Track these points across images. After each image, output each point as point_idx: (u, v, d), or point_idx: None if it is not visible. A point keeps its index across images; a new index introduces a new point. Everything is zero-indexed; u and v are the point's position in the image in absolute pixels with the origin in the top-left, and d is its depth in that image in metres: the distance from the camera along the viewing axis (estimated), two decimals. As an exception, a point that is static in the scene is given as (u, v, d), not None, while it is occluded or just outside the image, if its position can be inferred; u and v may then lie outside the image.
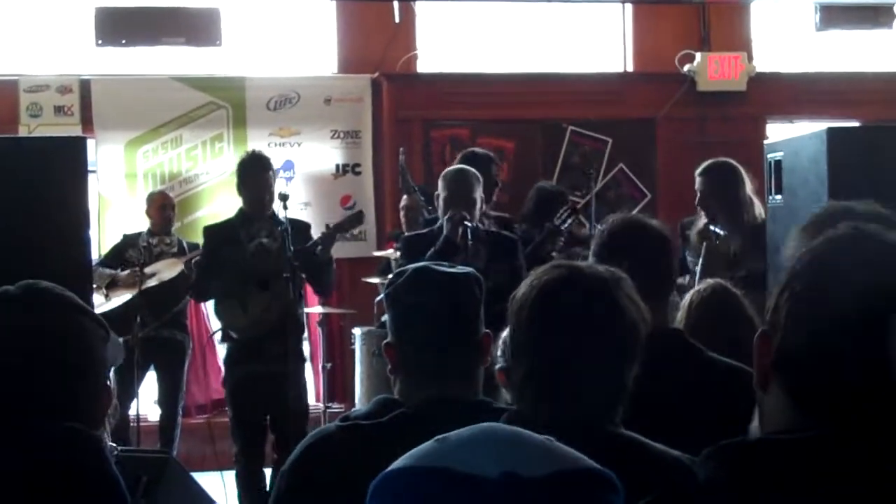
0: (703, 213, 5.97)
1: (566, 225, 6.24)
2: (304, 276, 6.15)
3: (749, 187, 5.97)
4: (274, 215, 6.07)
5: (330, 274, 6.37)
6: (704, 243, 5.71)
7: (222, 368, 8.63)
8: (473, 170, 5.71)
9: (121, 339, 1.99)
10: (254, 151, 6.41)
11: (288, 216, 6.02)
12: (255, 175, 6.12)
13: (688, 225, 6.08)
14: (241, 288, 5.98)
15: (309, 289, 6.89)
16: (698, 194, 5.96)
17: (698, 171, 6.02)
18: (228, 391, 6.14)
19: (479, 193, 5.58)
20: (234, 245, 6.07)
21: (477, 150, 6.67)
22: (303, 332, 6.41)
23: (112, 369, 2.14)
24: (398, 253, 6.55)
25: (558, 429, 1.96)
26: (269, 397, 5.91)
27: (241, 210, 6.26)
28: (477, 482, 1.10)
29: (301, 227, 6.28)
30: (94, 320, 1.98)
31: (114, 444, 2.16)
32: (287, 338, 5.92)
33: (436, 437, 1.18)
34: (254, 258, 6.01)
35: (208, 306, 8.34)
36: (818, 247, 1.41)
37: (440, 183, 5.67)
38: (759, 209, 5.92)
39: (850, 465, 1.27)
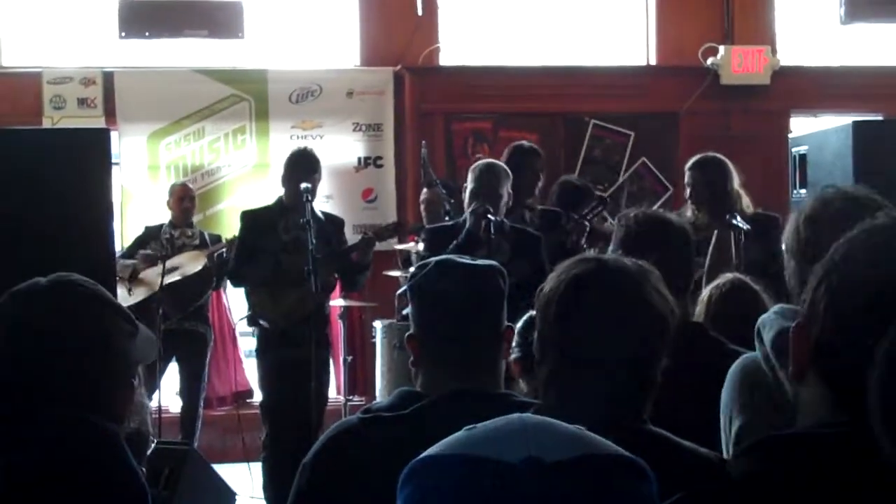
0: (692, 206, 5.92)
1: (592, 215, 6.23)
2: (336, 276, 6.25)
3: (737, 181, 5.94)
4: (312, 210, 6.12)
5: (365, 276, 6.57)
6: (715, 234, 5.67)
7: (244, 361, 8.71)
8: (503, 164, 5.73)
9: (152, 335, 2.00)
10: (304, 149, 6.52)
11: (323, 211, 6.12)
12: (301, 173, 6.19)
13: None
14: (276, 277, 6.06)
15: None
16: (690, 189, 5.90)
17: (689, 165, 5.98)
18: (260, 378, 6.21)
19: (506, 188, 5.58)
20: (271, 234, 6.16)
21: (524, 143, 6.67)
22: (328, 324, 6.49)
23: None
24: (420, 245, 6.56)
25: (585, 425, 1.97)
26: (298, 383, 5.94)
27: (279, 199, 6.33)
28: (498, 467, 1.10)
29: (336, 223, 6.44)
30: (121, 316, 1.99)
31: (153, 437, 2.16)
32: (314, 326, 5.99)
33: (466, 427, 1.19)
34: (289, 250, 6.05)
35: (230, 299, 8.38)
36: (855, 237, 1.40)
37: (469, 176, 5.69)
38: (746, 201, 5.88)
39: (890, 460, 1.25)
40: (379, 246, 8.07)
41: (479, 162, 5.89)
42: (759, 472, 1.32)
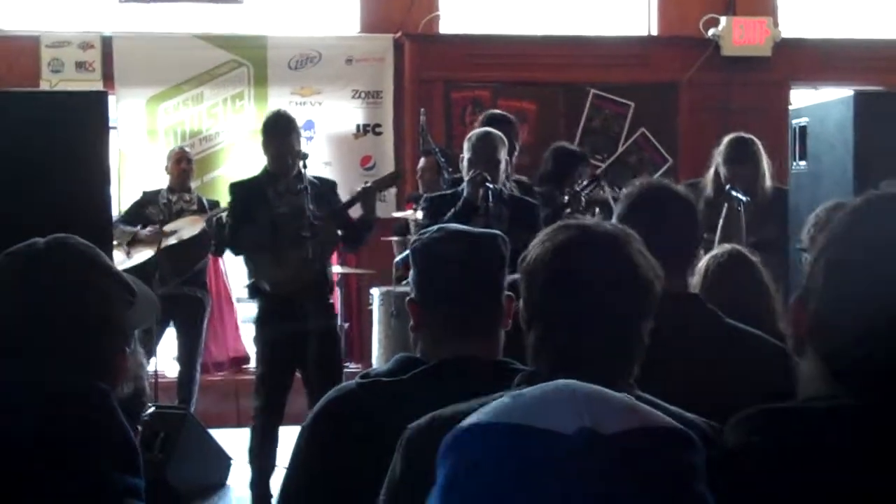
0: (713, 182, 5.87)
1: (587, 191, 6.21)
2: (339, 234, 6.17)
3: (767, 161, 5.90)
4: (299, 173, 6.06)
5: (370, 233, 6.45)
6: (724, 208, 5.65)
7: (241, 327, 8.70)
8: (499, 132, 5.70)
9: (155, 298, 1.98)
10: (279, 111, 6.33)
11: (314, 175, 6.03)
12: (278, 135, 6.08)
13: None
14: (274, 242, 5.98)
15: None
16: (735, 181, 5.79)
17: (738, 157, 5.87)
18: (260, 348, 6.15)
19: (503, 155, 5.57)
20: (262, 203, 6.07)
21: (496, 112, 6.63)
22: (332, 290, 6.39)
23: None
24: (419, 213, 6.54)
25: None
26: (302, 356, 5.92)
27: (265, 168, 6.23)
28: (554, 438, 1.08)
29: (329, 185, 6.31)
30: (117, 281, 1.97)
31: (146, 401, 2.15)
32: (320, 295, 5.96)
33: (510, 393, 1.17)
34: (284, 216, 5.99)
35: (227, 265, 8.37)
36: (855, 211, 1.39)
37: (465, 144, 5.67)
38: (769, 179, 5.86)
39: (884, 435, 1.25)
40: (377, 213, 8.10)
41: (475, 130, 5.87)
42: (754, 442, 1.32)
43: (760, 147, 5.92)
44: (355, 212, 6.34)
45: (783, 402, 1.39)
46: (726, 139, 5.96)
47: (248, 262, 6.27)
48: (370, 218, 6.28)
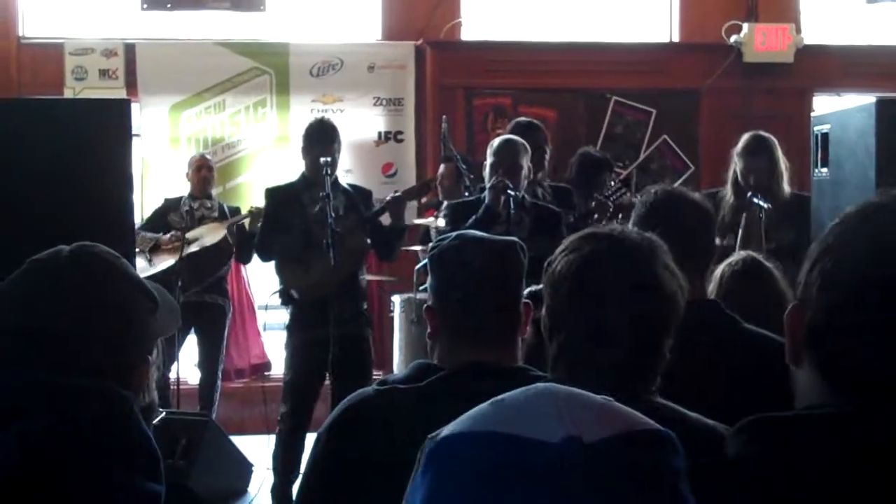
0: (732, 188, 5.84)
1: (614, 198, 6.20)
2: (368, 242, 6.19)
3: (784, 162, 5.89)
4: (336, 180, 6.09)
5: (401, 242, 6.47)
6: (744, 214, 5.64)
7: (262, 333, 8.73)
8: (521, 139, 5.71)
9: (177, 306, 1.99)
10: (321, 119, 6.40)
11: (349, 183, 6.08)
12: (319, 143, 6.11)
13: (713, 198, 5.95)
14: (306, 250, 6.00)
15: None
16: (750, 173, 5.77)
17: (752, 148, 5.85)
18: (288, 355, 6.15)
19: (525, 162, 5.57)
20: (296, 208, 6.10)
21: (522, 119, 6.63)
22: (364, 296, 6.38)
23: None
24: (441, 221, 6.55)
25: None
26: (331, 362, 5.92)
27: (303, 174, 6.26)
28: (539, 447, 1.08)
29: (364, 194, 6.36)
30: (141, 289, 1.98)
31: (161, 409, 2.17)
32: (352, 301, 5.98)
33: (490, 401, 1.16)
34: (317, 222, 6.01)
35: (248, 272, 8.39)
36: (850, 218, 1.38)
37: (487, 151, 5.69)
38: (786, 182, 5.84)
39: (880, 443, 1.24)
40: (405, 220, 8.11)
41: (498, 137, 5.88)
42: (754, 452, 1.32)
43: (777, 145, 5.90)
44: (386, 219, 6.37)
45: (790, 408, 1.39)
46: (743, 136, 5.97)
47: (277, 268, 6.28)
48: (399, 226, 6.29)
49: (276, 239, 6.13)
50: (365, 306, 6.33)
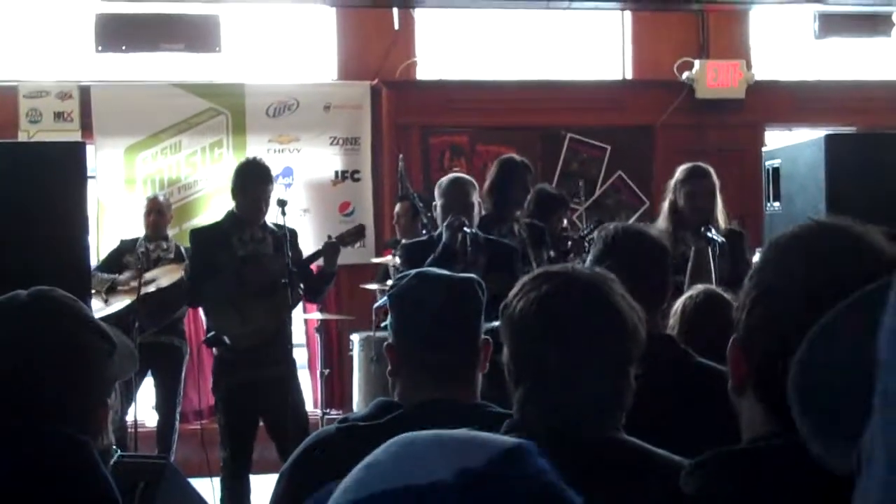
0: (669, 219, 5.84)
1: (591, 237, 6.22)
2: (301, 286, 6.14)
3: (719, 194, 5.89)
4: (264, 221, 6.04)
5: (330, 286, 6.41)
6: (693, 248, 5.65)
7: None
8: (466, 176, 5.77)
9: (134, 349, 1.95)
10: (255, 159, 6.30)
11: (274, 222, 5.99)
12: (255, 184, 6.03)
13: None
14: (237, 296, 5.89)
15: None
16: (696, 196, 5.83)
17: (687, 174, 5.86)
18: (220, 398, 6.05)
19: (475, 199, 5.61)
20: (224, 250, 5.97)
21: (515, 157, 6.65)
22: (291, 338, 6.31)
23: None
24: (397, 260, 6.56)
25: (563, 437, 1.99)
26: (264, 404, 5.89)
27: (230, 213, 6.14)
28: (438, 488, 1.08)
29: (291, 233, 6.19)
30: (98, 334, 1.98)
31: (116, 448, 2.15)
32: (281, 344, 5.91)
33: (359, 466, 1.16)
34: (248, 265, 5.95)
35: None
36: (780, 248, 1.41)
37: (436, 192, 5.71)
38: (722, 216, 5.85)
39: (824, 473, 1.27)
40: (356, 259, 8.11)
41: (444, 178, 5.90)
42: (709, 488, 1.34)
43: (715, 176, 5.91)
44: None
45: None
46: (680, 167, 5.95)
47: (209, 313, 6.17)
48: (329, 271, 6.24)
49: (206, 283, 5.97)
50: (291, 347, 6.28)
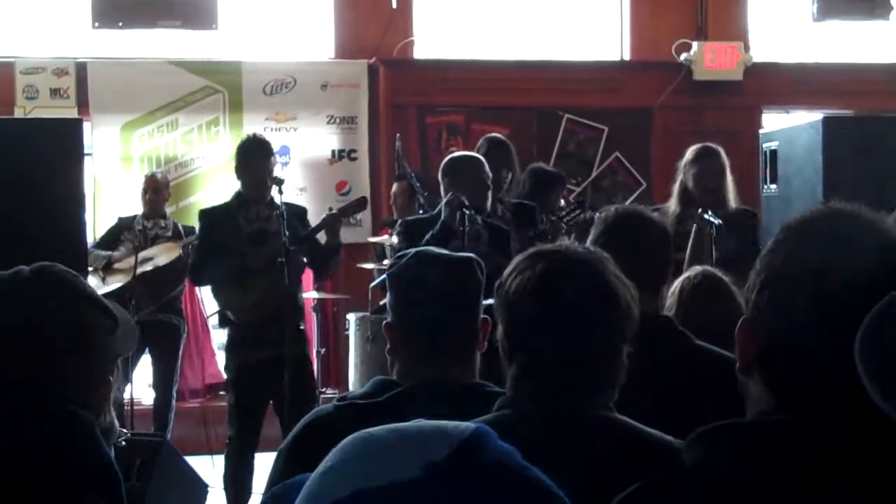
0: (678, 200, 5.85)
1: (568, 218, 6.22)
2: (305, 260, 6.15)
3: (729, 174, 5.90)
4: (271, 199, 6.06)
5: (337, 261, 6.38)
6: (693, 229, 5.66)
7: (217, 353, 8.68)
8: (477, 155, 5.75)
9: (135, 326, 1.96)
10: (255, 135, 6.33)
11: (284, 201, 6.01)
12: (256, 159, 6.05)
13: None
14: (241, 271, 5.92)
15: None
16: (705, 177, 5.80)
17: (696, 155, 5.86)
18: (231, 376, 6.10)
19: (487, 175, 5.61)
20: (232, 229, 6.02)
21: (495, 135, 6.64)
22: (302, 315, 6.34)
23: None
24: (395, 238, 6.55)
25: (557, 416, 2.00)
26: (273, 382, 5.89)
27: (237, 193, 6.18)
28: (407, 486, 1.07)
29: (299, 212, 6.26)
30: (102, 310, 1.97)
31: (123, 430, 2.15)
32: (287, 322, 5.92)
33: (318, 471, 1.15)
34: (253, 242, 5.97)
35: (203, 291, 8.35)
36: (791, 231, 1.41)
37: (442, 169, 5.70)
38: (732, 195, 5.85)
39: (834, 447, 1.27)
40: (352, 238, 8.10)
41: (452, 155, 5.90)
42: (709, 460, 1.34)
43: (725, 156, 5.91)
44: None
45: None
46: (691, 147, 5.97)
47: (214, 291, 6.22)
48: (334, 243, 6.22)
49: (212, 261, 6.02)
50: (302, 326, 6.30)
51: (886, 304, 1.19)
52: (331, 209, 6.35)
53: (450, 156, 5.96)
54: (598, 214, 3.21)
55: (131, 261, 7.17)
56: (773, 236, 1.43)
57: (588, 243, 2.94)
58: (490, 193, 5.61)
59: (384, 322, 2.46)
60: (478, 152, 6.19)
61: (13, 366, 1.84)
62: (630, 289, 2.10)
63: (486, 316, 2.44)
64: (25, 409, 1.80)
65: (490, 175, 5.64)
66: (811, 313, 1.32)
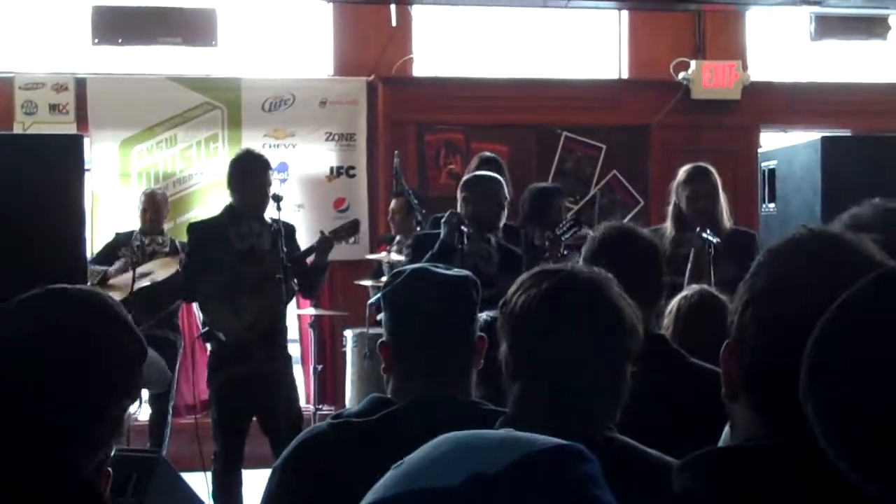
0: (673, 222, 5.84)
1: (567, 236, 6.21)
2: (296, 281, 6.12)
3: (723, 195, 5.88)
4: (262, 217, 6.02)
5: (322, 280, 6.36)
6: (692, 250, 5.66)
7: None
8: (494, 175, 5.76)
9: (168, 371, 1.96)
10: (250, 150, 6.29)
11: (272, 218, 5.96)
12: (255, 174, 6.00)
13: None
14: (233, 291, 5.86)
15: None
16: (697, 199, 5.82)
17: (688, 176, 5.85)
18: (213, 393, 6.05)
19: (503, 197, 5.62)
20: (222, 245, 5.92)
21: (487, 153, 6.64)
22: (285, 333, 6.25)
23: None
24: (392, 256, 6.57)
25: (559, 435, 1.99)
26: (257, 399, 5.87)
27: (228, 207, 6.10)
28: (443, 494, 1.08)
29: (288, 229, 6.17)
30: (133, 337, 1.92)
31: (117, 448, 2.12)
32: (275, 339, 5.90)
33: (394, 465, 1.16)
34: (245, 260, 5.93)
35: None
36: (778, 258, 1.42)
37: (459, 187, 5.71)
38: (727, 215, 5.84)
39: (820, 472, 1.27)
40: (350, 255, 8.11)
41: (473, 173, 5.90)
42: (697, 487, 1.34)
43: (717, 175, 5.90)
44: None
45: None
46: (683, 168, 5.94)
47: (204, 308, 6.17)
48: (322, 263, 6.18)
49: (202, 278, 5.95)
50: (286, 342, 6.26)
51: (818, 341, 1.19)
52: (322, 232, 6.32)
53: (470, 174, 5.97)
54: (590, 232, 3.23)
55: (128, 276, 7.16)
56: (757, 259, 1.44)
57: (580, 260, 2.95)
58: (503, 214, 5.60)
59: (379, 341, 2.45)
60: (470, 170, 6.20)
61: (39, 391, 1.79)
62: (635, 309, 2.10)
63: (481, 334, 2.44)
64: (28, 464, 1.75)
65: (506, 197, 5.64)
66: (793, 334, 1.32)
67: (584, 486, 1.14)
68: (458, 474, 1.08)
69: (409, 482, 1.11)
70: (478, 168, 6.23)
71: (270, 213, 6.01)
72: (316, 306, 7.78)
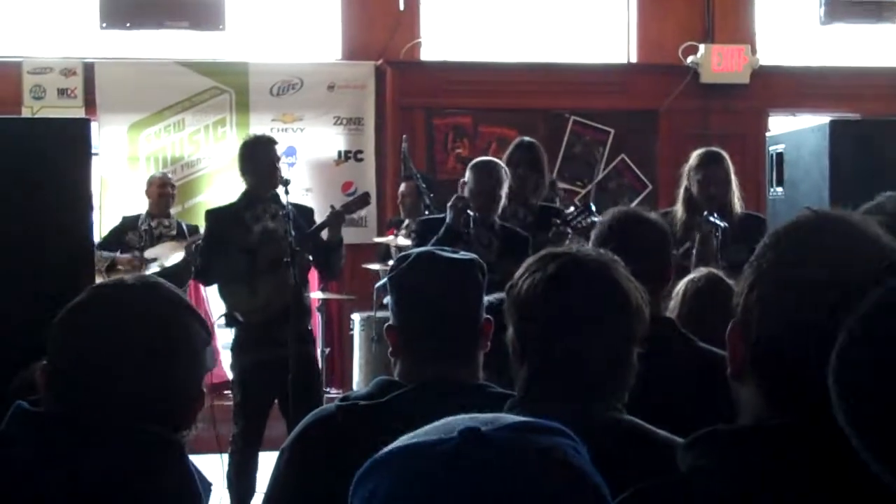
0: (684, 205, 5.82)
1: (575, 222, 6.20)
2: (310, 259, 6.15)
3: (735, 179, 5.87)
4: (276, 197, 6.06)
5: (340, 257, 6.35)
6: (698, 234, 5.65)
7: (221, 352, 8.68)
8: (494, 160, 5.75)
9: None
10: (255, 134, 6.36)
11: (291, 201, 6.01)
12: (262, 151, 6.06)
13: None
14: (249, 271, 5.93)
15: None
16: (709, 183, 5.75)
17: (701, 160, 5.83)
18: (237, 376, 6.11)
19: (504, 189, 5.60)
20: (238, 228, 6.01)
21: (528, 140, 6.61)
22: (309, 315, 6.32)
23: None
24: (400, 239, 6.57)
25: (566, 417, 1.99)
26: (278, 382, 5.89)
27: (244, 193, 6.18)
28: (433, 445, 1.10)
29: (305, 212, 6.26)
30: (199, 322, 1.94)
31: None
32: (294, 322, 5.93)
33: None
34: (260, 241, 5.97)
35: (208, 291, 8.37)
36: (779, 237, 1.42)
37: (467, 174, 5.70)
38: (738, 200, 5.83)
39: (826, 451, 1.28)
40: (358, 239, 8.11)
41: (478, 160, 5.88)
42: (703, 465, 1.35)
43: (729, 159, 5.89)
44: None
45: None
46: (695, 152, 5.94)
47: (221, 292, 6.21)
48: (336, 239, 6.18)
49: (219, 261, 6.01)
50: (310, 326, 6.29)
51: (859, 321, 1.19)
52: (332, 206, 6.34)
53: (473, 162, 5.96)
54: (598, 218, 3.23)
55: (136, 262, 7.18)
56: (763, 242, 1.44)
57: (589, 245, 2.95)
58: (500, 199, 5.59)
59: (386, 325, 2.46)
60: (505, 155, 6.18)
61: (110, 381, 1.80)
62: (641, 291, 2.11)
63: (488, 316, 2.45)
64: (122, 430, 1.77)
65: (501, 181, 5.61)
66: (798, 314, 1.33)
67: (576, 462, 1.16)
68: (454, 430, 1.11)
69: (409, 439, 1.14)
70: (512, 153, 6.19)
71: (303, 197, 6.06)
72: (324, 290, 7.79)
